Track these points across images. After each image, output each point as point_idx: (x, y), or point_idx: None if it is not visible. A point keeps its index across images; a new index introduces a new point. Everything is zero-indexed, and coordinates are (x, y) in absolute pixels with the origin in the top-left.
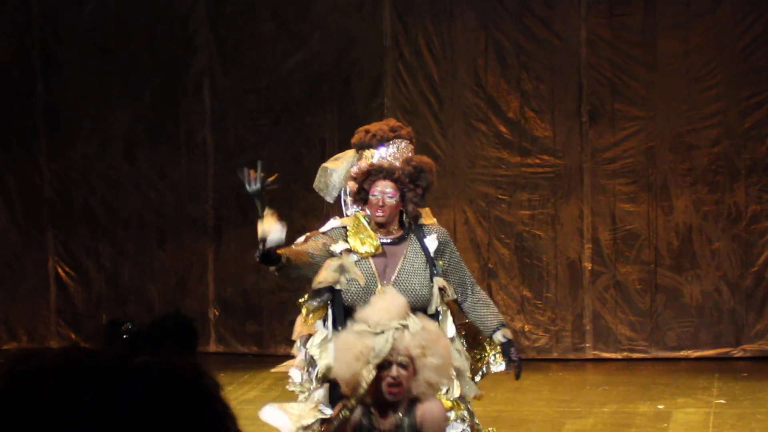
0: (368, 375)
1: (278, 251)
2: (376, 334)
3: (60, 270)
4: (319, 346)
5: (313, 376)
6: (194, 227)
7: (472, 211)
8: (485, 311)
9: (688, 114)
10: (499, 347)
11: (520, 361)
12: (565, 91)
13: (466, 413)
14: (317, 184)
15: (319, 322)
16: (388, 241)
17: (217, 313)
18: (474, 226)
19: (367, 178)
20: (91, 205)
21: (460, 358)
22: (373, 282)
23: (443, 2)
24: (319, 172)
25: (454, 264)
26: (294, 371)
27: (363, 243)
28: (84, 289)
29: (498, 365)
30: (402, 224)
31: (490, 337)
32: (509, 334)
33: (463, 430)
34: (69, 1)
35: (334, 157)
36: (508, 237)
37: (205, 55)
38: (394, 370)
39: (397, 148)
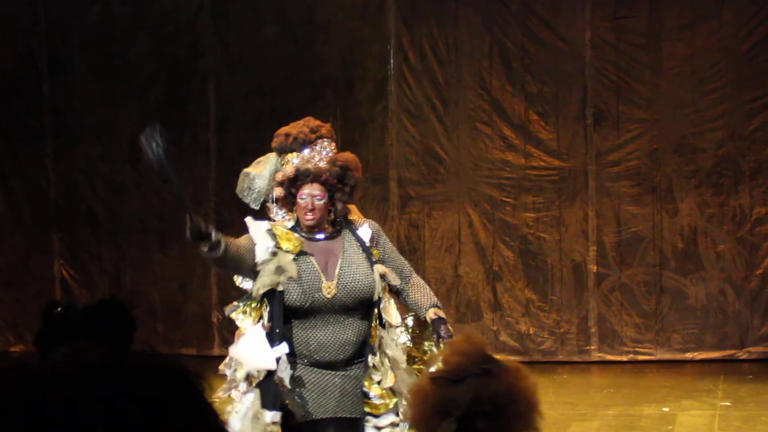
0: (449, 430)
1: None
2: (455, 382)
3: (65, 273)
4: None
5: (239, 376)
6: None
7: (477, 213)
8: (419, 294)
9: (693, 116)
10: (431, 324)
11: (449, 338)
12: (570, 94)
13: (400, 405)
14: (239, 190)
15: (249, 323)
16: (322, 237)
17: (220, 317)
18: (478, 229)
19: (295, 182)
20: (94, 208)
21: (396, 348)
22: (317, 278)
23: (448, 5)
24: (240, 177)
25: (389, 252)
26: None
27: (285, 241)
28: (87, 293)
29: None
30: (332, 222)
31: (424, 319)
32: (441, 313)
33: (393, 422)
34: (75, 4)
35: (256, 161)
36: (512, 240)
37: (209, 59)
38: (480, 423)
39: (320, 148)
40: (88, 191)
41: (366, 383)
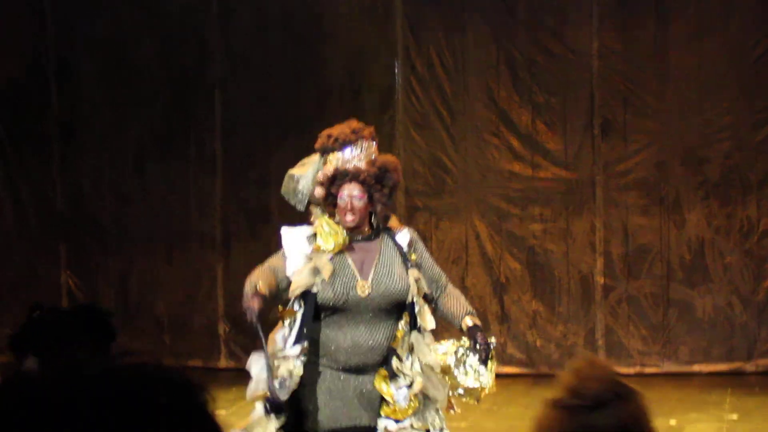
0: None
1: (260, 299)
2: (593, 408)
3: (71, 283)
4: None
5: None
6: (202, 241)
7: (484, 225)
8: (455, 303)
9: (700, 127)
10: (467, 332)
11: (487, 345)
12: (577, 104)
13: (425, 411)
14: (284, 191)
15: (280, 334)
16: (360, 238)
17: (227, 328)
18: (485, 241)
19: (334, 182)
20: (100, 218)
21: (430, 354)
22: (352, 277)
23: (455, 15)
24: (286, 179)
25: (425, 260)
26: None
27: (328, 240)
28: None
29: (468, 378)
30: (371, 225)
31: (460, 328)
32: (476, 320)
33: (411, 425)
34: (84, 12)
35: (300, 162)
36: (519, 251)
37: (216, 66)
38: None
39: (361, 149)
40: (94, 201)
41: (385, 386)
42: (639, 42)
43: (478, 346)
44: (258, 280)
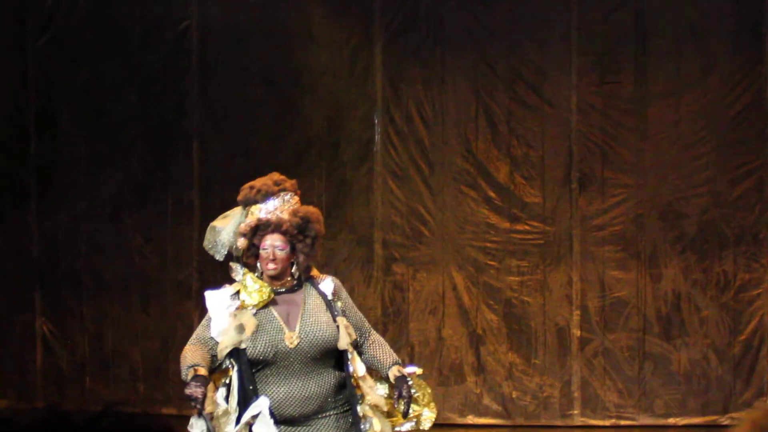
0: None
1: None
2: None
3: (46, 330)
4: (221, 418)
5: None
6: (179, 290)
7: (462, 276)
8: (380, 351)
9: (678, 182)
10: (394, 384)
11: (409, 398)
12: (555, 158)
13: None
14: (206, 244)
15: (220, 394)
16: (284, 290)
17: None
18: (462, 292)
19: (256, 233)
20: (76, 267)
21: (375, 394)
22: (279, 330)
23: (434, 68)
24: (208, 231)
25: (349, 307)
26: None
27: (251, 295)
28: (68, 351)
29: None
30: (293, 276)
31: (386, 377)
32: (403, 371)
33: None
34: (65, 63)
35: (222, 215)
36: (496, 303)
37: (195, 118)
38: None
39: (283, 200)
40: (70, 250)
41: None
42: (617, 97)
43: (402, 399)
44: (194, 363)
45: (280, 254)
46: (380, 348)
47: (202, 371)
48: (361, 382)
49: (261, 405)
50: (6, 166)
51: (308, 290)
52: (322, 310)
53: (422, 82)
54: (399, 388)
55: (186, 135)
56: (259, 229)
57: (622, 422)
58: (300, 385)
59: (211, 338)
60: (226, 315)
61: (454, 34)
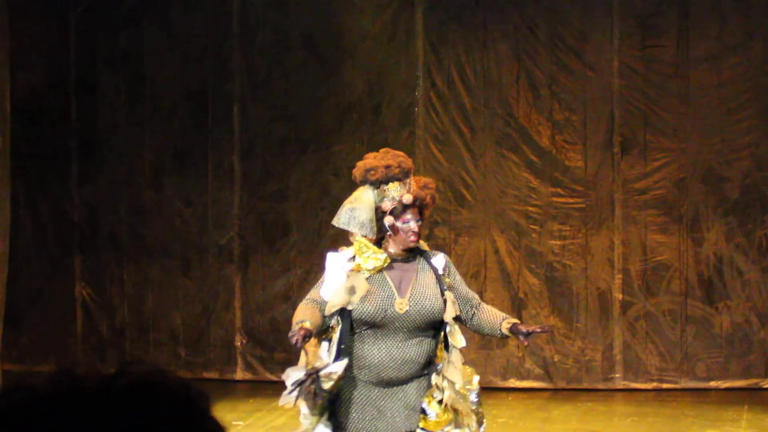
0: None
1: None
2: None
3: (86, 296)
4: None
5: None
6: (220, 255)
7: (503, 240)
8: (490, 315)
9: (720, 146)
10: (509, 334)
11: (530, 334)
12: (597, 122)
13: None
14: (340, 223)
15: (323, 348)
16: (400, 259)
17: (244, 341)
18: (504, 256)
19: (403, 211)
20: (117, 231)
21: (455, 371)
22: (390, 295)
23: (476, 32)
24: (342, 212)
25: (459, 282)
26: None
27: (367, 261)
28: (108, 317)
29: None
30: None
31: (502, 335)
32: (513, 320)
33: None
34: (106, 27)
35: (352, 197)
36: (538, 267)
37: (236, 83)
38: None
39: (410, 176)
40: (110, 214)
41: (426, 400)
42: (659, 61)
43: (527, 335)
44: (302, 319)
45: (418, 226)
46: (489, 313)
47: (307, 325)
48: (447, 356)
49: (341, 365)
50: (47, 132)
51: (421, 263)
52: (432, 283)
53: (464, 47)
54: (519, 334)
55: (227, 99)
56: (408, 207)
57: (664, 385)
58: (401, 349)
59: (323, 299)
60: (342, 276)
61: None
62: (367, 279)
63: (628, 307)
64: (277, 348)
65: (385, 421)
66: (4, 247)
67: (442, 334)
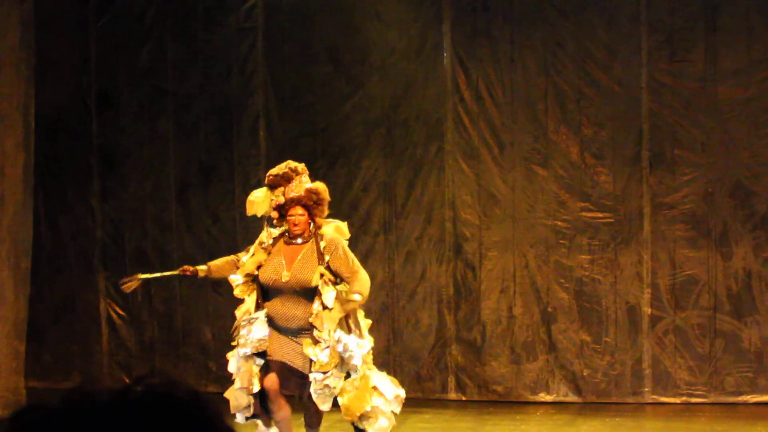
0: None
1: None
2: None
3: (112, 312)
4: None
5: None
6: None
7: (533, 255)
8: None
9: (748, 160)
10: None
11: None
12: (626, 137)
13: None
14: (250, 214)
15: (250, 300)
16: (299, 241)
17: None
18: (534, 271)
19: (285, 207)
20: (143, 247)
21: (333, 302)
22: (280, 267)
23: (504, 47)
24: (248, 205)
25: (337, 258)
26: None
27: (270, 238)
28: (136, 332)
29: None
30: (311, 232)
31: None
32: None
33: (333, 373)
34: (127, 42)
35: (256, 191)
36: (567, 281)
37: (261, 97)
38: None
39: (299, 181)
40: (136, 230)
41: (311, 349)
42: (688, 76)
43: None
44: (211, 264)
45: (301, 219)
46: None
47: (202, 267)
48: (323, 313)
49: (259, 314)
50: (68, 147)
51: (312, 245)
52: (313, 259)
53: (491, 61)
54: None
55: (252, 114)
56: (287, 205)
57: (693, 400)
58: (288, 307)
59: (242, 261)
60: (261, 251)
61: (524, 12)
62: (269, 254)
63: (657, 321)
64: None
65: (285, 352)
66: (27, 264)
67: (318, 298)
